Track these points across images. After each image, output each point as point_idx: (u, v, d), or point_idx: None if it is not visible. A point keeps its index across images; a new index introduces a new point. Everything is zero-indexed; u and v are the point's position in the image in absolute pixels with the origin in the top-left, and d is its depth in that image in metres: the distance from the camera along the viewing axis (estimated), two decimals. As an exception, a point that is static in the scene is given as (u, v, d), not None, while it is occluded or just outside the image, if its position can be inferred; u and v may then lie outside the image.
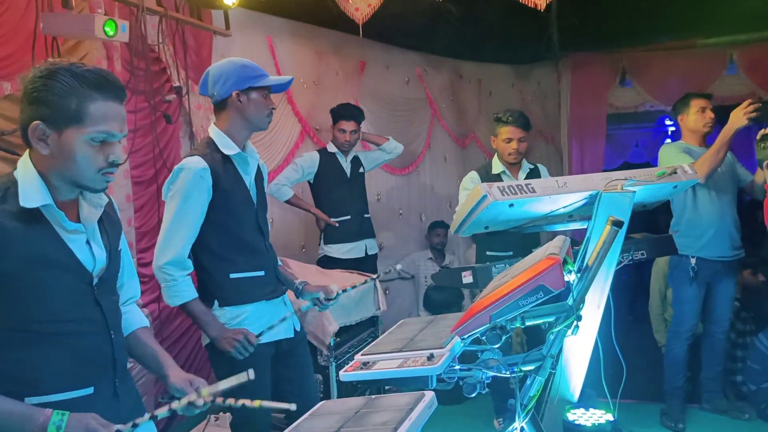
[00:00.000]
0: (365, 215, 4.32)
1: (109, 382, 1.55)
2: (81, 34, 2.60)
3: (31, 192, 1.42)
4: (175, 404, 1.49)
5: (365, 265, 4.10)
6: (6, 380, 1.41)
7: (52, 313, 1.44)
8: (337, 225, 4.13)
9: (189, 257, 2.32)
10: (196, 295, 2.29)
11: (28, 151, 1.48)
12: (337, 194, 4.20)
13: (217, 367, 2.37)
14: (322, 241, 4.22)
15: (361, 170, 4.33)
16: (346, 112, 4.20)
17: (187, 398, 1.52)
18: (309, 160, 4.17)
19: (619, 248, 2.54)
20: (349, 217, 4.19)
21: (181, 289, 2.26)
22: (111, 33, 2.54)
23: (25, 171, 1.45)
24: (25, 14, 2.74)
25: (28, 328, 1.43)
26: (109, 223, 1.61)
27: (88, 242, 1.52)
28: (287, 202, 4.11)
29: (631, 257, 2.80)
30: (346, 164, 4.25)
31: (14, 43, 2.75)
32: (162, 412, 1.47)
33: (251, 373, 1.54)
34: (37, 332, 1.43)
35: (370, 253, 4.27)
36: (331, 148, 4.24)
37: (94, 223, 1.54)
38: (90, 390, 1.49)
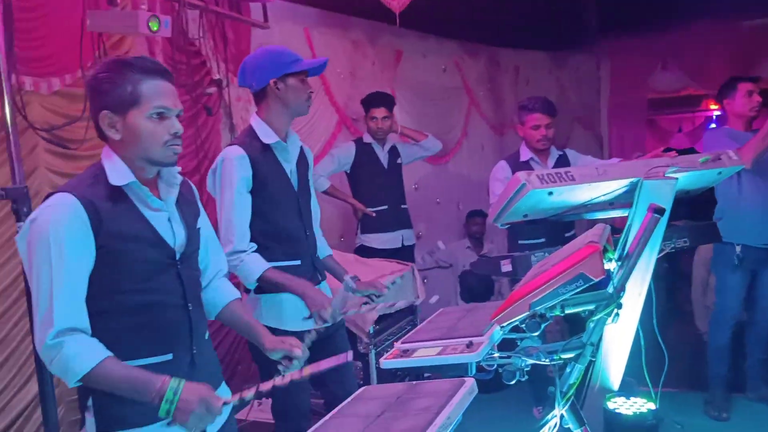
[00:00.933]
0: (402, 206, 4.33)
1: (186, 350, 1.67)
2: (126, 29, 2.67)
3: (117, 172, 1.58)
4: (278, 380, 1.60)
5: (402, 256, 4.12)
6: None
7: (138, 284, 1.58)
8: (374, 215, 4.16)
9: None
10: (269, 264, 2.31)
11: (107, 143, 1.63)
12: (374, 184, 4.22)
13: (257, 357, 2.42)
14: (359, 231, 4.25)
15: (399, 161, 4.34)
16: (375, 100, 4.22)
17: (290, 375, 1.64)
18: (345, 151, 4.20)
19: (661, 236, 2.51)
20: (386, 207, 4.21)
21: (253, 265, 2.29)
22: (154, 28, 2.60)
23: (108, 157, 1.61)
24: (72, 12, 2.82)
25: (117, 298, 1.56)
26: (185, 204, 1.74)
27: (169, 220, 1.66)
28: (324, 192, 4.15)
29: (673, 245, 2.75)
30: (382, 154, 4.27)
31: (62, 41, 2.84)
32: (266, 386, 1.57)
33: (350, 355, 1.68)
34: (123, 302, 1.57)
35: (406, 243, 4.29)
36: (367, 138, 4.26)
37: (173, 203, 1.68)
38: (169, 356, 1.62)
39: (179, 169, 1.71)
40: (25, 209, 2.29)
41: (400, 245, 4.24)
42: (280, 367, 1.78)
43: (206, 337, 1.77)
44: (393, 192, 4.29)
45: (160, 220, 1.64)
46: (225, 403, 1.52)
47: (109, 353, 1.51)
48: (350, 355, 1.68)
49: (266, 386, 1.57)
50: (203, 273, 1.86)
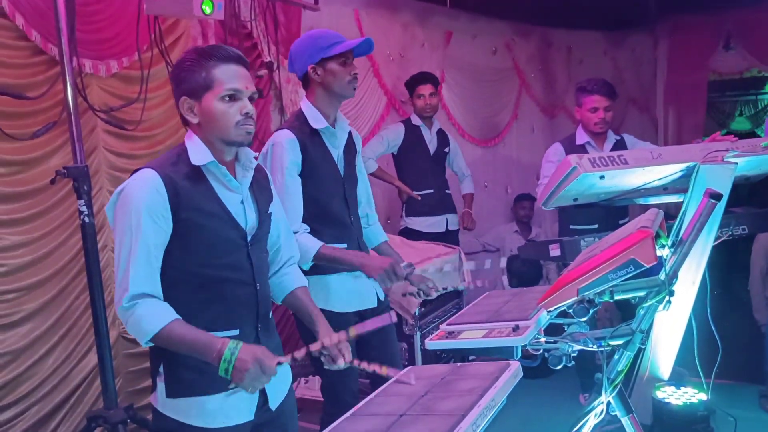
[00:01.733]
0: (446, 190, 4.32)
1: (252, 326, 1.75)
2: (181, 13, 2.72)
3: (198, 153, 1.69)
4: (326, 341, 1.71)
5: (446, 240, 4.11)
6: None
7: (211, 258, 1.68)
8: (419, 198, 4.16)
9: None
10: (321, 242, 2.31)
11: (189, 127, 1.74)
12: (420, 168, 4.20)
13: (303, 331, 2.46)
14: (403, 214, 4.26)
15: (446, 149, 4.32)
16: (420, 77, 4.21)
17: (341, 362, 1.72)
18: (394, 132, 4.20)
19: (717, 223, 2.44)
20: (431, 191, 4.20)
21: (307, 244, 2.29)
22: (208, 11, 2.65)
23: (190, 139, 1.72)
24: (129, -4, 2.90)
25: (192, 270, 1.67)
26: (259, 189, 1.83)
27: (242, 203, 1.74)
28: (372, 174, 4.16)
29: (730, 232, 2.66)
30: (430, 136, 4.25)
31: (119, 25, 2.93)
32: (314, 350, 1.67)
33: (393, 316, 1.73)
34: (197, 274, 1.67)
35: (451, 228, 4.28)
36: (416, 120, 4.24)
37: (248, 186, 1.77)
38: (236, 332, 1.70)
39: (255, 154, 1.80)
40: (85, 187, 2.39)
41: (444, 229, 4.23)
42: (323, 359, 1.78)
43: (270, 317, 1.84)
44: (438, 176, 4.28)
45: (233, 202, 1.73)
46: (279, 363, 1.57)
47: (177, 316, 1.60)
48: (393, 315, 1.72)
49: (315, 347, 1.66)
50: (275, 258, 1.94)
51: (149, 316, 1.58)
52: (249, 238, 1.75)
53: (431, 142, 4.25)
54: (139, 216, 1.60)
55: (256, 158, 1.81)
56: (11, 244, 2.59)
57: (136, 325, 1.59)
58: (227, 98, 1.66)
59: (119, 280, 1.61)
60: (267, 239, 1.87)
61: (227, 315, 1.71)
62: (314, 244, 2.31)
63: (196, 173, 1.68)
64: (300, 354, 1.63)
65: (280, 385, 1.83)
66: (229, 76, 1.66)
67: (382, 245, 2.62)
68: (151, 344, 1.62)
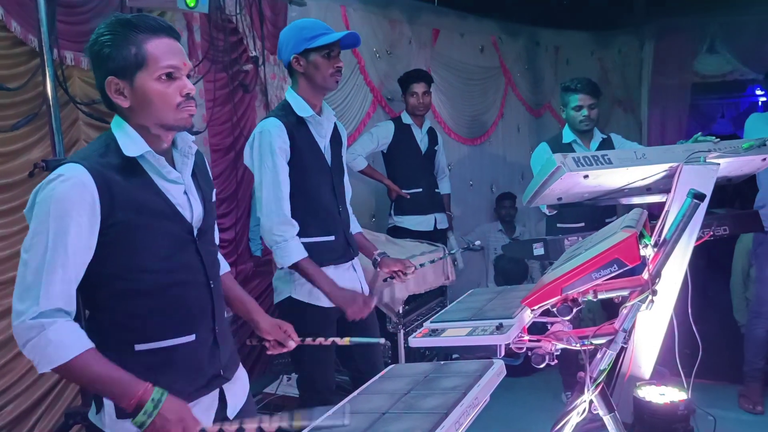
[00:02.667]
0: (436, 189, 4.31)
1: (209, 330, 1.59)
2: (164, 5, 2.69)
3: (131, 142, 1.48)
4: (264, 425, 1.40)
5: (434, 238, 4.12)
6: (117, 329, 1.49)
7: (157, 262, 1.49)
8: (408, 197, 4.15)
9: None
10: (306, 253, 2.31)
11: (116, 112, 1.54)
12: (410, 166, 4.20)
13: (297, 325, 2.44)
14: (392, 212, 4.25)
15: (436, 147, 4.31)
16: (414, 74, 4.19)
17: (278, 421, 1.39)
18: (383, 130, 4.18)
19: (700, 223, 2.45)
20: (420, 189, 4.20)
21: (292, 249, 2.29)
22: (192, 4, 2.62)
23: (119, 126, 1.50)
24: (113, -13, 2.86)
25: (136, 277, 1.47)
26: (201, 177, 1.65)
27: (185, 193, 1.56)
28: (361, 172, 4.14)
29: (712, 233, 2.69)
30: (420, 135, 4.24)
31: (102, 16, 2.88)
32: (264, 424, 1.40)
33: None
34: (143, 281, 1.48)
35: (439, 227, 4.28)
36: (406, 119, 4.22)
37: (189, 175, 1.59)
38: (192, 337, 1.54)
39: (193, 138, 1.62)
40: (65, 181, 2.35)
41: (432, 228, 4.23)
42: (266, 345, 1.71)
43: (225, 316, 1.70)
44: (428, 175, 4.28)
45: (176, 193, 1.54)
46: (202, 430, 1.39)
47: (91, 345, 1.38)
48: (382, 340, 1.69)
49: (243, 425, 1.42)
50: None
51: (59, 342, 1.34)
52: (196, 232, 1.57)
53: (422, 141, 4.24)
54: (61, 220, 1.36)
55: (194, 143, 1.63)
56: (-11, 238, 2.55)
57: (40, 350, 1.34)
58: (164, 77, 1.45)
59: (23, 290, 1.36)
60: (213, 231, 1.69)
61: (181, 320, 1.53)
62: (298, 254, 2.31)
63: (129, 165, 1.46)
64: (231, 428, 1.40)
65: (238, 390, 1.70)
66: (165, 51, 1.45)
67: (356, 236, 2.60)
68: (48, 371, 1.38)
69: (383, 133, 4.17)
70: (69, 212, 1.38)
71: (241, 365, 1.75)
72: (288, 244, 2.30)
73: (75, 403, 2.75)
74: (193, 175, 1.61)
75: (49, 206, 1.38)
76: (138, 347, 1.49)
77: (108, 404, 1.48)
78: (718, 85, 6.55)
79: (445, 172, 4.49)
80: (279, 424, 1.38)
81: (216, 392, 1.62)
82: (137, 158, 1.48)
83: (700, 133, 2.66)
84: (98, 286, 1.47)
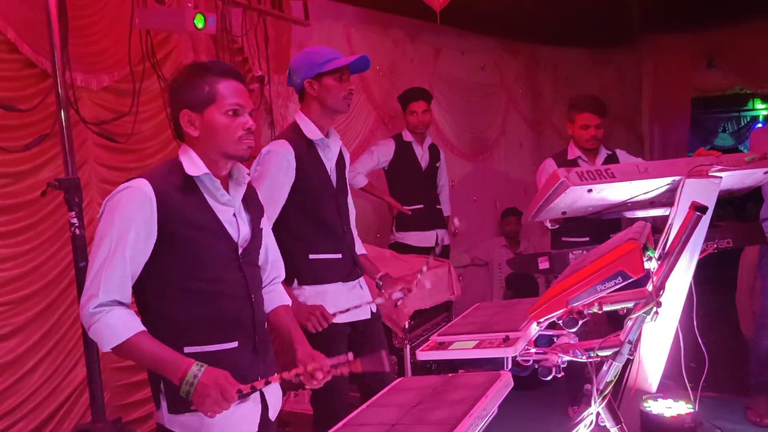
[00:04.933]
0: (437, 206, 4.34)
1: (249, 338, 1.75)
2: (173, 27, 2.74)
3: (193, 164, 1.70)
4: (285, 374, 1.65)
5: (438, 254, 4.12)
6: (170, 330, 1.67)
7: (205, 272, 1.68)
8: (410, 213, 4.17)
9: None
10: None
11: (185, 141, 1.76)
12: (411, 183, 4.22)
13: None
14: (394, 228, 4.27)
15: (438, 164, 4.34)
16: (413, 93, 4.22)
17: (315, 384, 1.70)
18: (384, 148, 4.21)
19: (703, 235, 2.47)
20: (422, 206, 4.22)
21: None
22: (200, 26, 2.67)
23: (185, 153, 1.73)
24: (121, 10, 2.92)
25: (186, 286, 1.67)
26: (252, 204, 1.85)
27: (234, 215, 1.75)
28: (362, 189, 4.17)
29: (716, 245, 2.71)
30: (421, 152, 4.27)
31: (111, 38, 2.94)
32: (275, 380, 1.64)
33: (350, 356, 1.72)
34: (192, 290, 1.67)
35: (440, 243, 4.30)
36: (407, 136, 4.25)
37: (239, 200, 1.79)
38: (234, 344, 1.71)
39: (248, 170, 1.81)
40: (76, 199, 2.38)
41: (434, 243, 4.25)
42: (302, 379, 1.78)
43: (265, 327, 1.86)
44: (429, 191, 4.30)
45: (226, 214, 1.73)
46: (239, 391, 1.56)
47: (143, 328, 1.60)
48: (351, 356, 1.71)
49: (275, 379, 1.63)
50: (262, 274, 1.93)
51: (115, 325, 1.58)
52: (240, 252, 1.75)
53: (422, 158, 4.27)
54: (123, 224, 1.60)
55: (248, 174, 1.82)
56: (0, 257, 2.57)
57: (100, 332, 1.59)
58: (231, 113, 1.68)
59: (88, 284, 1.61)
60: (258, 254, 1.88)
61: (224, 328, 1.71)
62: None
63: (188, 185, 1.69)
64: (260, 385, 1.62)
65: (277, 395, 1.86)
66: (233, 91, 1.69)
67: (359, 257, 2.61)
68: (109, 351, 1.62)
69: (384, 151, 4.19)
70: (130, 218, 1.60)
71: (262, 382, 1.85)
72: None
73: (84, 420, 2.76)
74: (244, 201, 1.81)
75: (114, 213, 1.61)
76: (187, 350, 1.66)
77: (162, 403, 1.69)
78: (718, 100, 6.61)
79: (445, 190, 4.50)
80: (296, 372, 1.63)
81: (257, 395, 1.77)
82: (196, 179, 1.69)
83: (706, 147, 2.69)
84: (152, 290, 1.67)
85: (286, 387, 3.46)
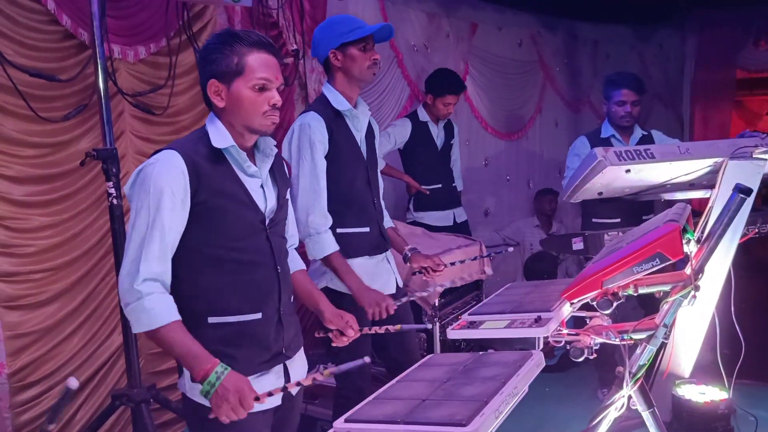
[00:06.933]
0: (453, 184, 4.30)
1: (274, 310, 1.75)
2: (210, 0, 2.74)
3: (219, 136, 1.68)
4: (303, 381, 1.57)
5: (458, 232, 4.09)
6: (194, 300, 1.67)
7: (232, 241, 1.67)
8: (428, 193, 4.13)
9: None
10: (337, 247, 2.36)
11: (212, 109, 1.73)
12: (428, 163, 4.14)
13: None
14: (412, 208, 4.23)
15: (452, 141, 4.27)
16: (455, 87, 4.08)
17: (311, 377, 1.59)
18: (400, 129, 4.11)
19: (745, 219, 2.40)
20: (440, 185, 4.18)
21: (325, 242, 2.34)
22: (236, -2, 2.66)
23: (212, 122, 1.71)
24: (159, -18, 2.93)
25: (214, 253, 1.66)
26: (279, 175, 1.84)
27: (261, 187, 1.75)
28: (381, 172, 4.08)
29: (757, 230, 2.63)
30: (437, 132, 4.18)
31: (148, 11, 2.95)
32: (292, 387, 1.59)
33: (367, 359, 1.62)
34: (220, 258, 1.66)
35: (458, 221, 4.26)
36: (423, 116, 4.12)
37: (266, 172, 1.78)
38: (258, 315, 1.71)
39: (275, 141, 1.79)
40: (114, 170, 2.43)
41: (452, 222, 4.22)
42: (331, 335, 1.83)
43: (291, 301, 1.85)
44: (446, 170, 4.25)
45: (253, 185, 1.73)
46: (257, 399, 1.55)
47: (178, 317, 1.59)
48: (368, 359, 1.62)
49: (292, 386, 1.59)
50: None
51: (152, 310, 1.56)
52: (267, 222, 1.75)
53: (438, 137, 4.19)
54: (159, 196, 1.59)
55: (276, 146, 1.80)
56: (40, 225, 2.63)
57: (137, 315, 1.58)
58: (257, 87, 1.65)
59: (129, 259, 1.60)
60: (284, 225, 1.87)
61: (249, 298, 1.70)
62: (331, 248, 2.35)
63: (216, 155, 1.68)
64: (277, 392, 1.58)
65: (299, 368, 1.85)
66: (261, 64, 1.65)
67: (388, 231, 2.61)
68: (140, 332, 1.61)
69: (400, 132, 4.10)
70: (164, 189, 1.59)
71: (302, 350, 1.88)
72: (321, 237, 2.34)
73: (120, 385, 2.84)
74: (272, 172, 1.80)
75: (149, 186, 1.60)
76: (211, 320, 1.67)
77: (186, 371, 1.67)
78: (765, 81, 6.38)
79: (457, 164, 4.39)
80: (313, 376, 1.57)
81: (280, 368, 1.77)
82: (223, 150, 1.68)
83: (747, 131, 2.61)
84: (180, 258, 1.65)
85: (315, 360, 3.51)
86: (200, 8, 3.18)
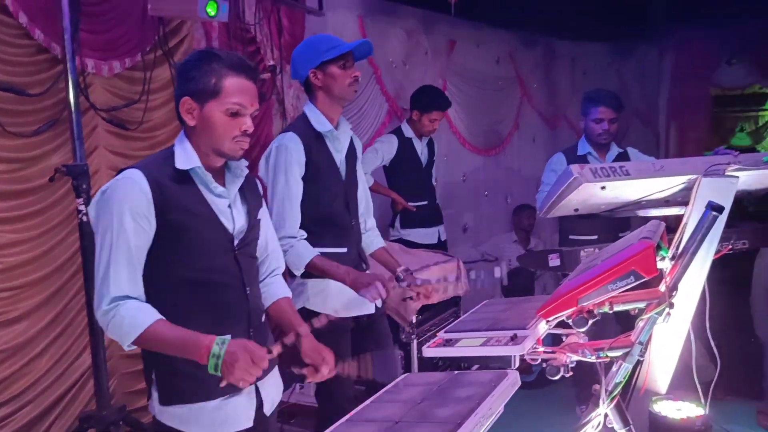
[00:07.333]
0: (436, 201, 4.31)
1: (244, 331, 1.71)
2: (185, 14, 2.73)
3: (185, 157, 1.66)
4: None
5: (439, 249, 4.10)
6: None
7: (199, 261, 1.65)
8: (415, 209, 4.13)
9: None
10: (316, 251, 2.33)
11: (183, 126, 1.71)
12: (414, 179, 4.16)
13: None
14: (398, 225, 4.22)
15: (434, 158, 4.29)
16: (441, 103, 4.10)
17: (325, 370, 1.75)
18: (388, 145, 4.11)
19: (718, 235, 2.42)
20: (426, 202, 4.18)
21: (302, 251, 2.31)
22: (212, 13, 2.65)
23: (180, 142, 1.69)
24: (135, -3, 2.90)
25: (180, 274, 1.64)
26: (251, 195, 1.81)
27: (229, 206, 1.72)
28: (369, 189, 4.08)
29: (731, 246, 2.65)
30: (421, 148, 4.19)
31: (124, 26, 2.93)
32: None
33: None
34: (187, 279, 1.64)
35: (442, 238, 4.28)
36: (407, 132, 4.13)
37: (235, 192, 1.75)
38: (228, 337, 1.61)
39: (246, 162, 1.77)
40: (84, 186, 2.38)
41: (437, 240, 4.22)
42: (304, 371, 1.78)
43: (263, 321, 1.82)
44: (430, 187, 4.26)
45: (221, 205, 1.70)
46: (269, 352, 1.55)
47: (160, 316, 1.57)
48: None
49: (276, 348, 1.63)
50: (261, 266, 1.91)
51: (131, 317, 1.55)
52: (236, 242, 1.72)
53: (422, 153, 4.20)
54: (121, 216, 1.57)
55: (248, 167, 1.77)
56: (8, 242, 2.58)
57: (118, 328, 1.55)
58: (231, 112, 1.63)
59: (99, 283, 1.58)
60: (256, 245, 1.84)
61: (218, 320, 1.67)
62: (309, 253, 2.32)
63: (182, 175, 1.65)
64: (290, 340, 1.62)
65: (272, 389, 1.82)
66: (238, 89, 1.63)
67: (378, 251, 2.61)
68: (133, 347, 1.59)
69: (388, 149, 4.10)
70: (125, 210, 1.57)
71: (276, 369, 1.86)
72: (296, 248, 2.31)
73: (90, 407, 2.77)
74: (242, 191, 1.77)
75: (111, 206, 1.58)
76: None
77: (154, 393, 1.66)
78: (737, 98, 6.50)
79: (438, 182, 4.42)
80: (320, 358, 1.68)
81: (252, 388, 1.73)
82: (189, 171, 1.66)
83: (721, 148, 2.64)
84: (148, 278, 1.63)
85: (292, 378, 3.47)
86: (177, 23, 3.16)
